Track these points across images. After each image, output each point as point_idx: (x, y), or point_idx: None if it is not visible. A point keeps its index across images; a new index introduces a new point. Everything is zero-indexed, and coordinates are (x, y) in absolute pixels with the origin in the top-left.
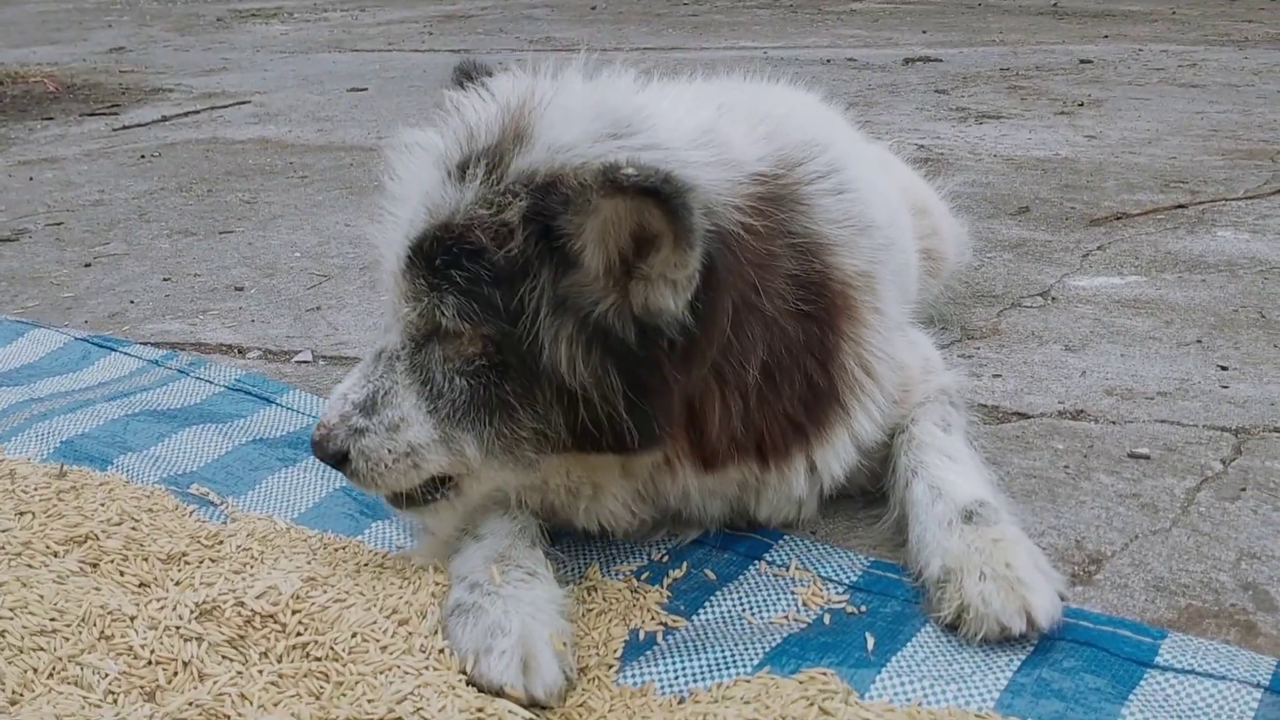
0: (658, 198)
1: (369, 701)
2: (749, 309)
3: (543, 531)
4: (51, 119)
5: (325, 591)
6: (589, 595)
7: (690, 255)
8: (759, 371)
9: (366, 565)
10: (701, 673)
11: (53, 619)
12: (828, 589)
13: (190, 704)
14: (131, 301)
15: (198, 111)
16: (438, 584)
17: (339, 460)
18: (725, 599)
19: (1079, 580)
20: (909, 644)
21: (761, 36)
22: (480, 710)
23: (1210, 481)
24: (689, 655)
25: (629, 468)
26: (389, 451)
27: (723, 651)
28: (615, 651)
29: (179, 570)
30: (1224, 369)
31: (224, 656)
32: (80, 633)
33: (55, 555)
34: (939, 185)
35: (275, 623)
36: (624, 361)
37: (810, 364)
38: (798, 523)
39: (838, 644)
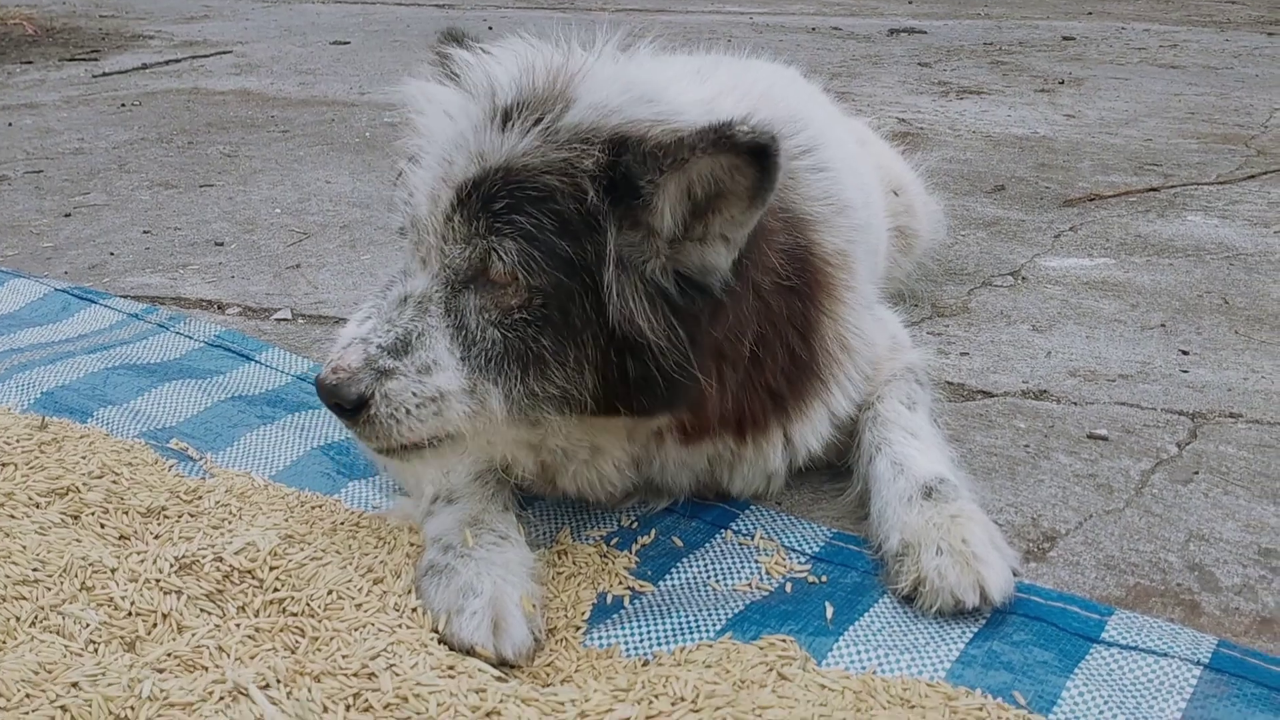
0: (762, 155)
1: (343, 657)
2: (749, 281)
3: (515, 496)
4: (30, 63)
5: (302, 549)
6: (559, 559)
7: (755, 215)
8: (750, 344)
9: (342, 524)
10: (666, 636)
11: (35, 569)
12: (790, 559)
13: (169, 655)
14: (112, 253)
15: (179, 60)
16: (412, 545)
17: (357, 406)
18: (691, 566)
19: (1033, 557)
20: (866, 614)
21: (747, 2)
22: (451, 668)
23: (1165, 464)
24: (654, 619)
25: (635, 433)
26: (414, 395)
27: (687, 617)
28: (583, 614)
29: (158, 524)
30: (1185, 353)
31: (202, 610)
32: (62, 583)
33: (37, 507)
34: (917, 161)
35: (253, 578)
36: (682, 318)
37: (792, 337)
38: (767, 495)
39: (798, 612)
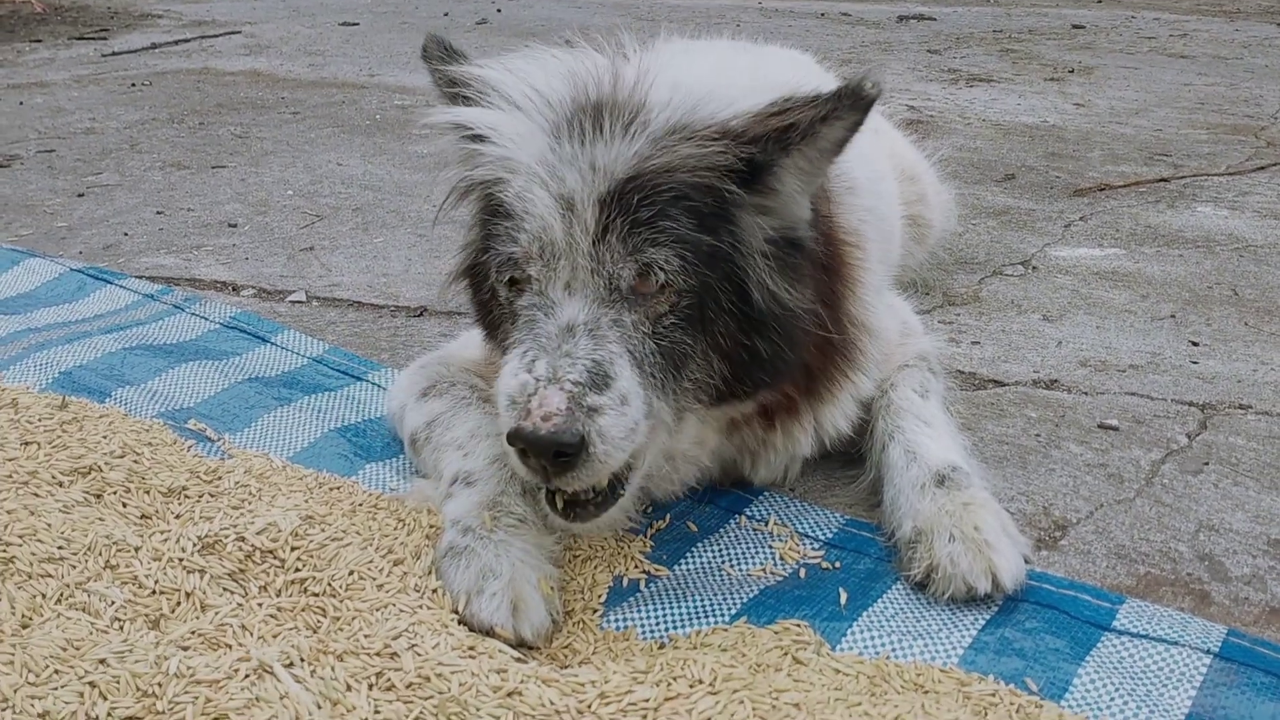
0: (869, 108)
1: (365, 637)
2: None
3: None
4: (40, 41)
5: (323, 530)
6: (576, 542)
7: (830, 164)
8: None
9: (361, 505)
10: (681, 620)
11: (60, 547)
12: (804, 544)
13: (193, 633)
14: (125, 234)
15: (188, 40)
16: (431, 527)
17: (577, 449)
18: (706, 550)
19: (1044, 545)
20: (880, 600)
21: None
22: (471, 648)
23: (1175, 455)
24: (670, 603)
25: (722, 423)
26: (620, 432)
27: (702, 601)
28: (600, 597)
29: (179, 504)
30: (1195, 344)
31: (225, 589)
32: (87, 561)
33: (60, 485)
34: (928, 149)
35: (275, 558)
36: (796, 275)
37: (823, 312)
38: (784, 482)
39: (812, 597)
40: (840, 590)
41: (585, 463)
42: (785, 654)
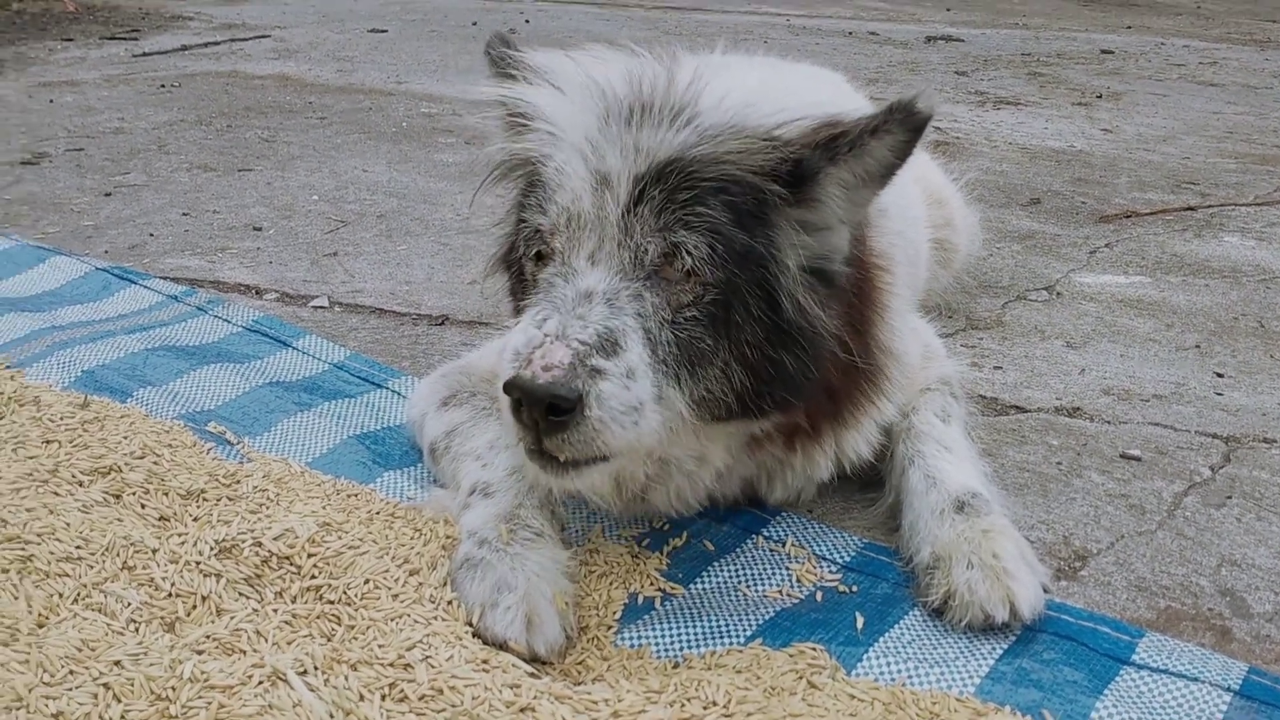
0: (921, 131)
1: (379, 646)
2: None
3: (549, 492)
4: (71, 40)
5: (340, 537)
6: (591, 557)
7: (876, 195)
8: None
9: (378, 514)
10: (696, 639)
11: (78, 546)
12: (821, 567)
13: (208, 637)
14: (151, 234)
15: (218, 43)
16: (448, 537)
17: (573, 406)
18: (722, 570)
19: (1064, 575)
20: (897, 625)
21: (784, 3)
22: (485, 662)
23: (1198, 487)
24: (685, 622)
25: (733, 440)
26: (620, 404)
27: (717, 621)
28: (614, 614)
29: (197, 506)
30: (1220, 376)
31: (241, 594)
32: (104, 561)
33: (80, 485)
34: (955, 172)
35: (291, 565)
36: (825, 306)
37: (850, 335)
38: (797, 503)
39: (828, 621)
40: (857, 614)
41: (578, 425)
42: (800, 678)
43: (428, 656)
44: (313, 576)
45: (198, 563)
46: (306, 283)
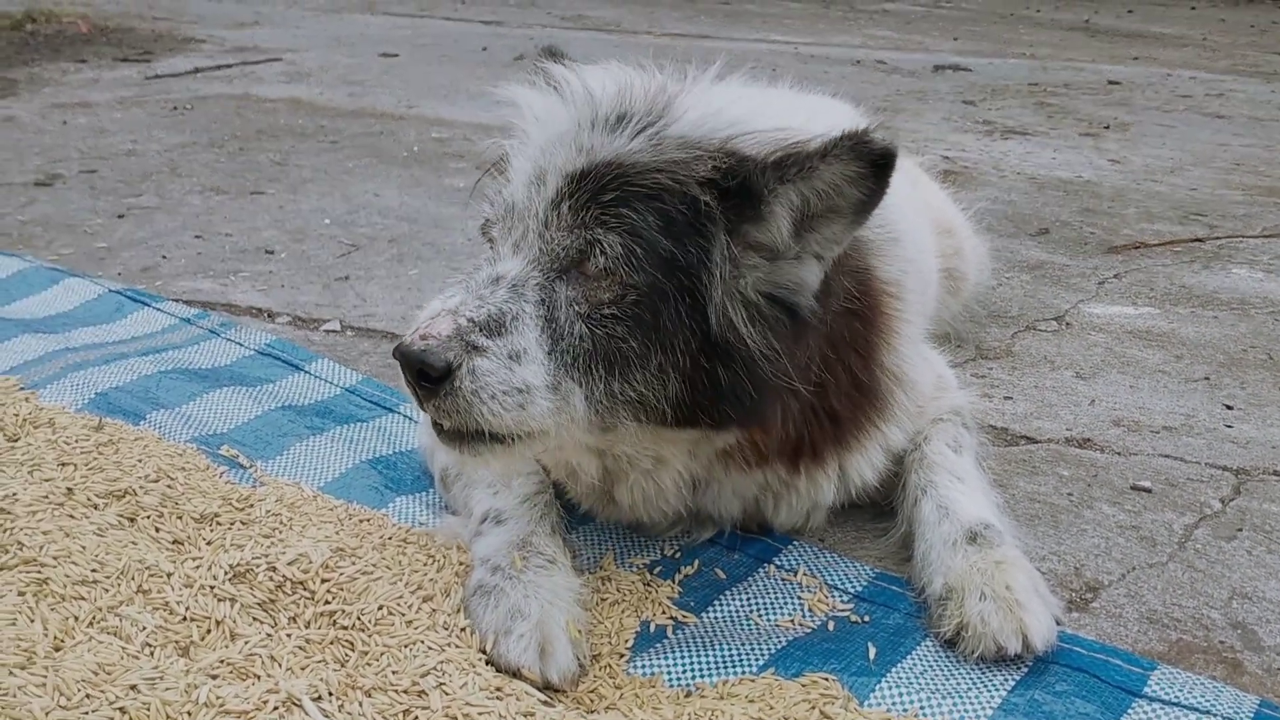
0: (885, 167)
1: (393, 673)
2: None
3: (562, 519)
4: (84, 62)
5: (353, 563)
6: (604, 585)
7: (852, 233)
8: (817, 365)
9: (391, 539)
10: (709, 668)
11: (93, 570)
12: (834, 597)
13: (222, 661)
14: (164, 256)
15: (230, 65)
16: (461, 564)
17: (441, 375)
18: (734, 599)
19: (1076, 607)
20: (909, 656)
21: (793, 31)
22: (499, 689)
23: (1208, 519)
24: (697, 650)
25: (699, 449)
26: (500, 380)
27: (730, 650)
28: (627, 642)
29: (211, 530)
30: (1229, 408)
31: (255, 619)
32: (119, 585)
33: (95, 508)
34: (963, 201)
35: (305, 590)
36: (774, 331)
37: (854, 361)
38: (805, 530)
39: (841, 651)
40: (869, 645)
41: (450, 395)
42: (813, 708)
43: (441, 683)
44: (326, 602)
45: (212, 587)
46: (319, 306)
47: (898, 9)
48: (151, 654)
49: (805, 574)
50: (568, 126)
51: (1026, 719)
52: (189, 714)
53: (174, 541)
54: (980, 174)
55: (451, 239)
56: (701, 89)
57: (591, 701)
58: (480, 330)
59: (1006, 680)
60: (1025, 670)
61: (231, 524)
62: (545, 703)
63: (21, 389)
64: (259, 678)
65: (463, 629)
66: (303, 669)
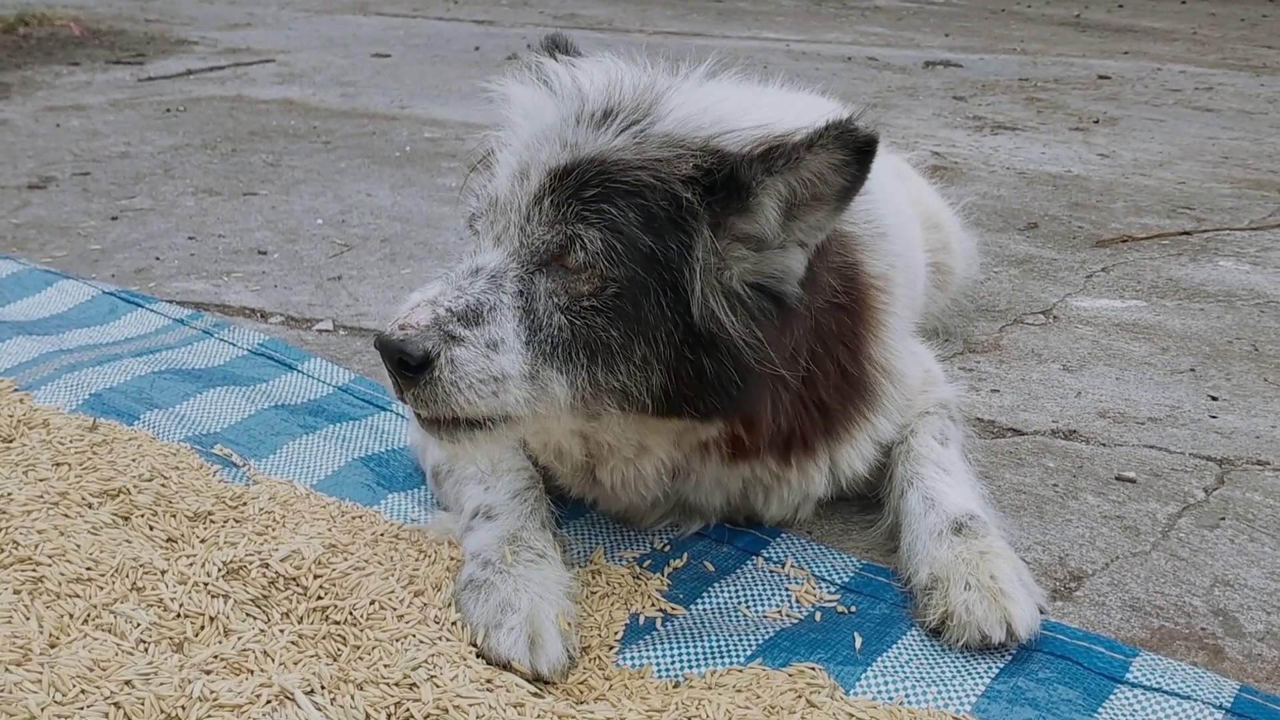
0: (867, 154)
1: (385, 666)
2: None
3: (552, 514)
4: (77, 64)
5: (345, 559)
6: (593, 578)
7: (836, 219)
8: (805, 358)
9: (383, 536)
10: (697, 659)
11: (88, 568)
12: (820, 588)
13: (216, 657)
14: (157, 258)
15: (223, 67)
16: (452, 559)
17: (419, 364)
18: (722, 591)
19: (1059, 596)
20: (895, 645)
21: (784, 28)
22: (489, 681)
23: (1192, 509)
24: (686, 642)
25: (682, 439)
26: (478, 369)
27: (718, 641)
28: (616, 634)
29: (204, 528)
30: (1214, 399)
31: (248, 614)
32: (114, 583)
33: (90, 507)
34: (952, 196)
35: (297, 585)
36: (759, 321)
37: (843, 354)
38: (794, 522)
39: (827, 641)
40: (855, 635)
41: (429, 384)
42: (799, 697)
43: (433, 676)
44: (319, 597)
45: (205, 584)
46: (311, 306)
47: (889, 5)
48: (146, 650)
49: (793, 566)
50: (554, 121)
51: (1010, 705)
52: (183, 708)
53: (168, 539)
54: (970, 169)
55: (444, 238)
56: (690, 86)
57: (581, 693)
58: (458, 320)
59: (990, 668)
60: (1009, 658)
61: (225, 522)
62: (535, 694)
63: (16, 390)
64: (252, 672)
65: (454, 623)
66: (295, 663)
